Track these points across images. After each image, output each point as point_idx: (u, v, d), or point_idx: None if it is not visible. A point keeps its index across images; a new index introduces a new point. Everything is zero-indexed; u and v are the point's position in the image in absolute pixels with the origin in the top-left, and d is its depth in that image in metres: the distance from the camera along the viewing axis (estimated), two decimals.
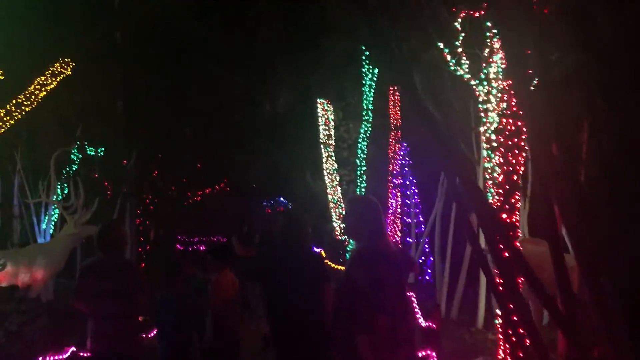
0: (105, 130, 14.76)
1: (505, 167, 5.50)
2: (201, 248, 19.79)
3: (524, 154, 5.52)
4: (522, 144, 5.47)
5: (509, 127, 5.54)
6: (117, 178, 15.14)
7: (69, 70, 12.03)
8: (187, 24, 14.16)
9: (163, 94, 15.62)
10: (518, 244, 5.60)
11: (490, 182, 9.01)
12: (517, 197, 5.50)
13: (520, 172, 5.51)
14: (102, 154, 15.68)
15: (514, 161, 5.47)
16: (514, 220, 5.50)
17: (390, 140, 14.93)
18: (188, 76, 15.92)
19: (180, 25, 13.89)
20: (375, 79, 13.16)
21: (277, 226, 4.38)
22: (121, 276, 4.65)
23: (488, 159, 8.99)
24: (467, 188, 3.35)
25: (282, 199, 22.77)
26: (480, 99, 8.86)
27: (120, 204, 14.62)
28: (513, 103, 5.52)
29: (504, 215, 5.49)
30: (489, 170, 9.01)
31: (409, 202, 14.67)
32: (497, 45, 8.52)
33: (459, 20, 8.95)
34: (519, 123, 5.50)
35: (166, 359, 5.31)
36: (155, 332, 5.67)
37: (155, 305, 5.35)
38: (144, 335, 5.40)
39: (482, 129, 9.04)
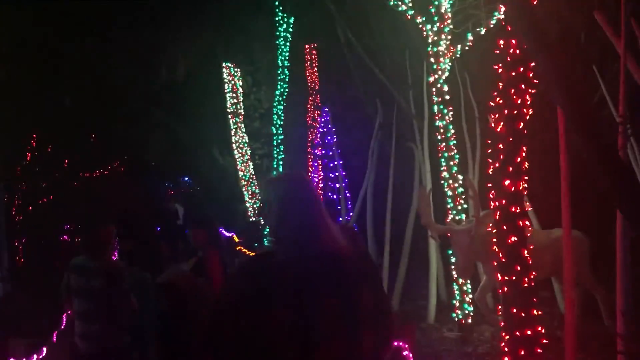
0: None
1: (506, 111, 3.69)
2: None
3: (530, 91, 3.74)
4: (530, 75, 3.68)
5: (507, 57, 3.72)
6: None
7: None
8: None
9: (35, 53, 12.82)
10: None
11: (443, 144, 7.38)
12: (523, 154, 3.72)
13: (528, 116, 3.74)
14: None
15: (519, 101, 3.67)
16: (520, 188, 3.73)
17: (309, 106, 13.11)
18: (65, 32, 13.17)
19: None
20: (290, 29, 11.13)
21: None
22: (106, 277, 4.51)
23: (440, 115, 7.33)
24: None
25: (186, 178, 20.36)
26: (430, 40, 7.13)
27: None
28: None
29: (507, 182, 3.71)
30: (441, 130, 7.38)
31: (332, 175, 12.79)
32: None
33: None
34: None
35: None
36: None
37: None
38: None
39: (430, 79, 7.34)
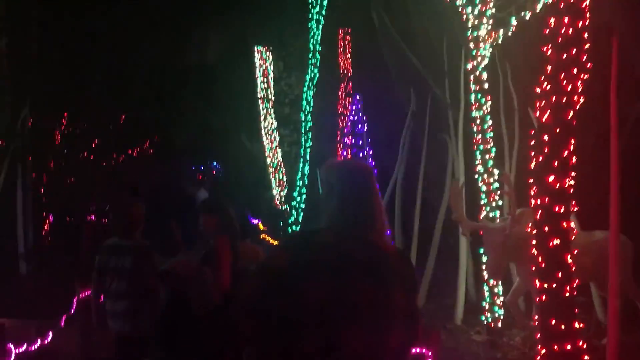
0: None
1: (554, 98, 3.28)
2: None
3: (583, 76, 3.32)
4: (584, 58, 3.26)
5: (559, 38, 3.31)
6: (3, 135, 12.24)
7: None
8: None
9: (64, 32, 12.74)
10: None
11: (479, 136, 6.96)
12: (571, 147, 3.31)
13: (579, 105, 3.32)
14: None
15: (569, 87, 3.25)
16: (566, 185, 3.33)
17: (340, 93, 12.73)
18: (95, 13, 13.05)
19: None
20: (323, 12, 10.76)
21: None
22: (135, 257, 4.60)
23: (477, 105, 6.90)
24: None
25: (215, 163, 20.21)
26: (470, 25, 6.68)
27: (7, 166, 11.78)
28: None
29: (551, 178, 3.31)
30: (477, 121, 6.94)
31: None
32: None
33: None
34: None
35: None
36: None
37: None
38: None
39: (469, 66, 6.91)
